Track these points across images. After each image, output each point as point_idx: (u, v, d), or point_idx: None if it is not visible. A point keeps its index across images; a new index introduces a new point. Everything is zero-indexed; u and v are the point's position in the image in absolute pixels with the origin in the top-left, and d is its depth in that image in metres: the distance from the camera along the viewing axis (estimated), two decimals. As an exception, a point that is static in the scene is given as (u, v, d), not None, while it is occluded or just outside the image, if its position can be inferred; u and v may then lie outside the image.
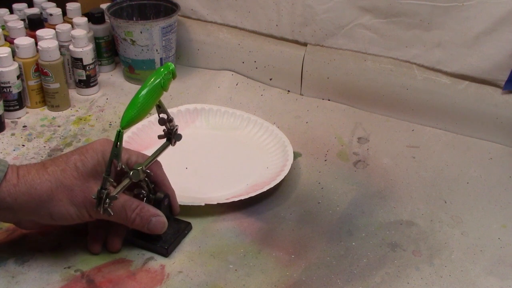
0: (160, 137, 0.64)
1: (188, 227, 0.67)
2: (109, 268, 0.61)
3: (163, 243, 0.63)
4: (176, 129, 0.64)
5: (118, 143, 0.55)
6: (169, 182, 0.65)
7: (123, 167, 0.58)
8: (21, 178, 0.56)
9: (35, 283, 0.59)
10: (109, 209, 0.57)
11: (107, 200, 0.56)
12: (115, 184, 0.58)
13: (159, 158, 0.63)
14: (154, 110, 0.60)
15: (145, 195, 0.62)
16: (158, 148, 0.63)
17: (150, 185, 0.63)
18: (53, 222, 0.59)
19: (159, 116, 0.61)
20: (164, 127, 0.63)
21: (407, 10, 0.85)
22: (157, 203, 0.62)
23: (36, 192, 0.56)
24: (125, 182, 0.59)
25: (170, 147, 0.64)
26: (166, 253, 0.63)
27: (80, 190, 0.57)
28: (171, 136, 0.63)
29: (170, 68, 0.57)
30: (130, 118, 0.55)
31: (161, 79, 0.56)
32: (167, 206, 0.64)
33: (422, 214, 0.70)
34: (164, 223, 0.62)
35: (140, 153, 0.63)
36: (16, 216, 0.58)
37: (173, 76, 0.57)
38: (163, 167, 0.65)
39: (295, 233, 0.67)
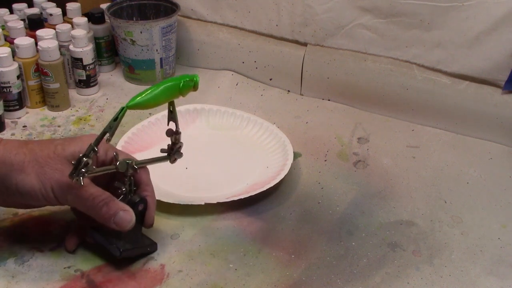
0: (162, 151, 0.62)
1: (153, 246, 0.63)
2: (109, 268, 0.61)
3: (120, 245, 0.59)
4: (180, 147, 0.62)
5: (118, 117, 0.54)
6: (153, 191, 0.63)
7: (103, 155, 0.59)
8: (2, 143, 0.58)
9: (35, 283, 0.59)
10: (80, 178, 0.55)
11: (83, 170, 0.55)
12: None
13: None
14: (155, 110, 0.60)
15: (123, 192, 0.60)
16: (155, 158, 0.62)
17: (133, 187, 0.61)
18: (18, 198, 0.58)
19: (168, 123, 0.60)
20: (170, 140, 0.61)
21: (407, 10, 0.85)
22: (130, 206, 0.59)
23: (9, 160, 0.57)
24: (109, 167, 0.58)
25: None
26: (118, 255, 0.59)
27: (50, 169, 0.57)
28: (172, 152, 0.62)
29: (195, 78, 0.57)
30: (138, 101, 0.55)
31: (181, 81, 0.56)
32: (140, 213, 0.61)
33: (422, 214, 0.70)
34: (131, 219, 0.58)
35: (130, 155, 0.62)
36: None
37: (195, 86, 0.57)
38: (164, 166, 0.64)
39: (295, 233, 0.67)
